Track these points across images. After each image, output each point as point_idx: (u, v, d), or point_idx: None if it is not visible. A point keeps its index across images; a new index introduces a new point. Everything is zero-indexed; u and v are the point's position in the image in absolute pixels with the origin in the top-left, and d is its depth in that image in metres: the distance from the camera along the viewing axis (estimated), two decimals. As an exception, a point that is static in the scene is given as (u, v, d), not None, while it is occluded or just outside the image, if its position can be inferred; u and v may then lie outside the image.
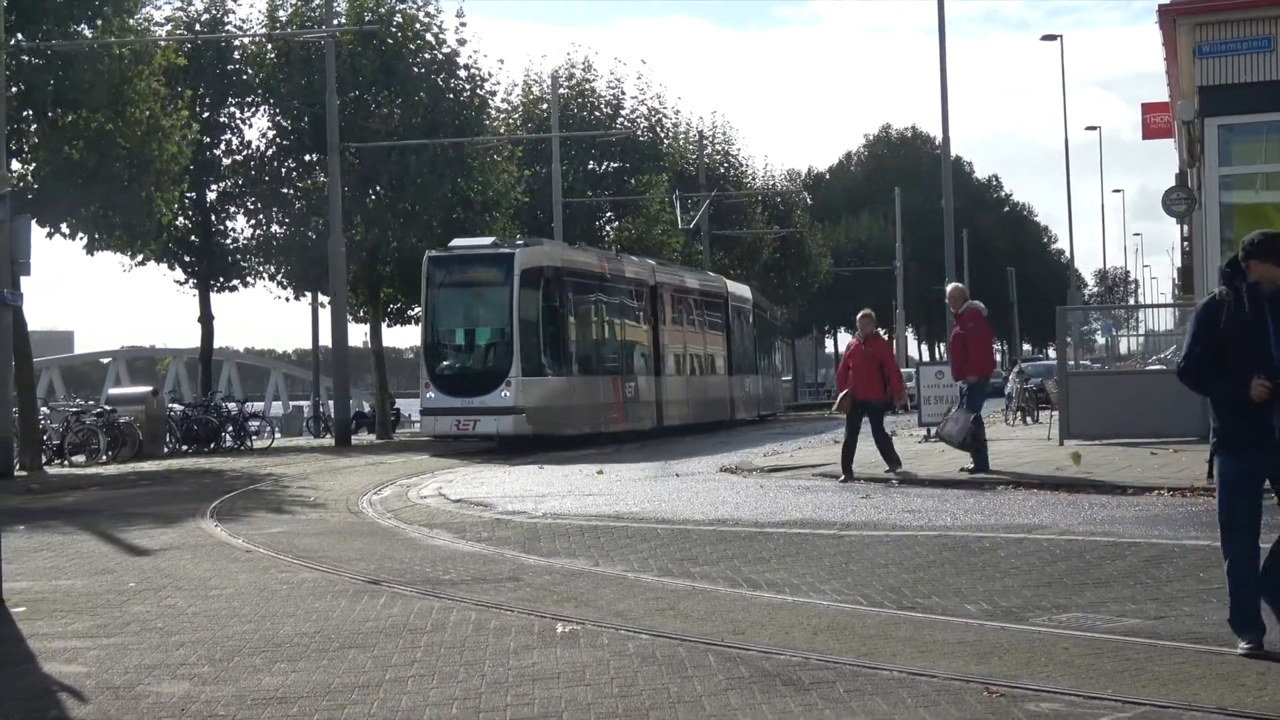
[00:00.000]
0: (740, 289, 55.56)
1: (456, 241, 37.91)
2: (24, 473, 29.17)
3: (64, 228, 32.22)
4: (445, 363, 35.98)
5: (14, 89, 30.28)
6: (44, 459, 32.45)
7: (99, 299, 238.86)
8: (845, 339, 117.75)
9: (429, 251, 36.67)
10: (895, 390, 22.50)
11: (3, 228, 23.58)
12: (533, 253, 35.89)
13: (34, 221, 30.34)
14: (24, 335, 31.25)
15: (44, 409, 39.21)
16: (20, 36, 30.70)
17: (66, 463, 34.45)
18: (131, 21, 33.45)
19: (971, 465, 21.13)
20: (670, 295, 45.48)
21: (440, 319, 36.13)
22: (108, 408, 39.40)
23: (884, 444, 22.15)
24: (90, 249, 33.20)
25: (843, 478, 21.80)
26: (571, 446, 35.05)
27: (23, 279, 28.25)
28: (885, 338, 22.48)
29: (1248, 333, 8.53)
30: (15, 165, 30.81)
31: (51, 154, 31.34)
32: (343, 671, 9.14)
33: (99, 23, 32.12)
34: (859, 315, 23.05)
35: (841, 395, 22.29)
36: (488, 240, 38.09)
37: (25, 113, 31.40)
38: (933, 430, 22.69)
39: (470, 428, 34.61)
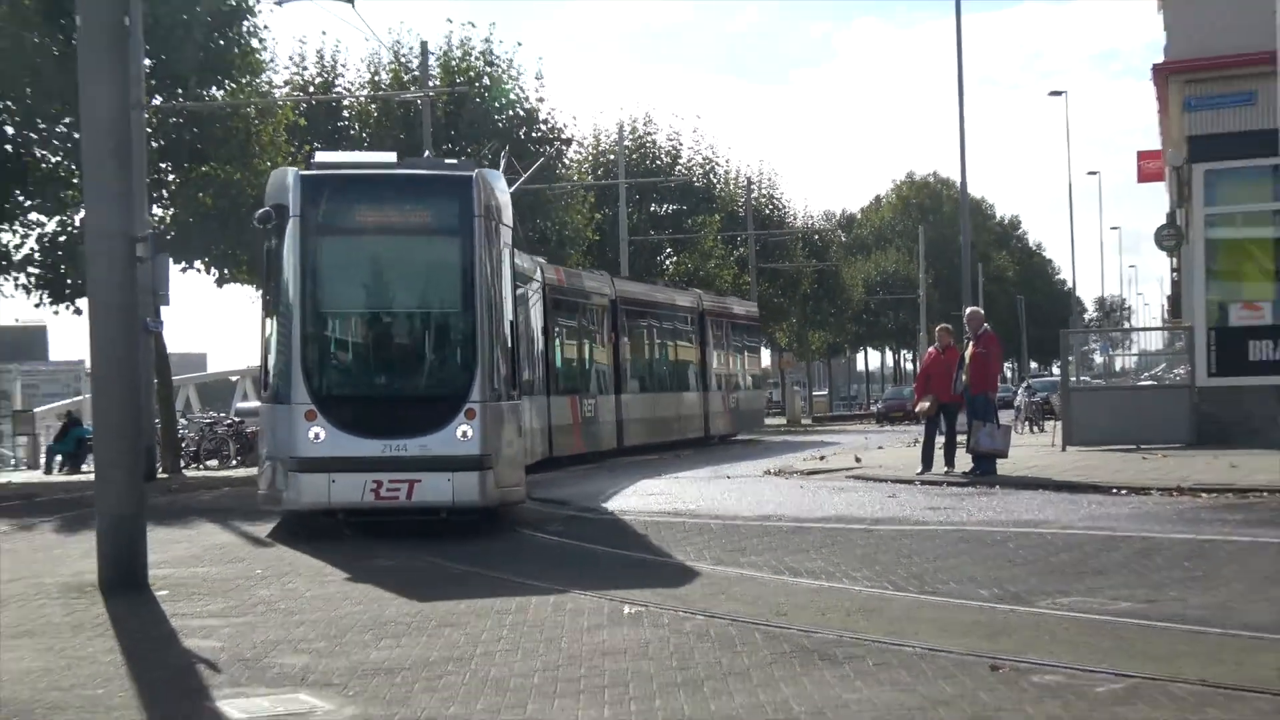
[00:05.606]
0: (606, 284, 34.82)
1: (329, 155, 20.89)
2: (165, 475, 29.40)
3: (197, 264, 32.58)
4: (345, 374, 16.68)
5: (155, 144, 30.65)
6: (182, 463, 32.73)
7: (229, 325, 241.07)
8: (875, 357, 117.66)
9: (298, 170, 17.02)
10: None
11: (145, 264, 23.81)
12: (488, 180, 17.03)
13: (171, 259, 30.75)
14: (164, 357, 31.54)
15: (182, 420, 39.52)
16: (160, 98, 31.06)
17: (202, 466, 34.73)
18: (257, 82, 33.84)
19: (972, 468, 20.99)
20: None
21: (330, 293, 16.53)
22: (236, 419, 39.70)
23: (949, 445, 21.71)
24: (220, 282, 33.55)
25: (920, 470, 21.59)
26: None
27: (163, 308, 28.62)
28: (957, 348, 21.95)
29: None
30: (156, 210, 31.14)
31: (187, 200, 31.65)
32: (440, 647, 9.22)
33: (230, 85, 32.49)
34: (938, 328, 22.63)
35: (929, 401, 21.83)
36: (388, 156, 20.64)
37: (164, 164, 31.75)
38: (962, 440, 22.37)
39: (401, 495, 15.41)
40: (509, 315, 17.07)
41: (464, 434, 15.61)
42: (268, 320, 16.77)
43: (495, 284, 16.48)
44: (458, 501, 15.65)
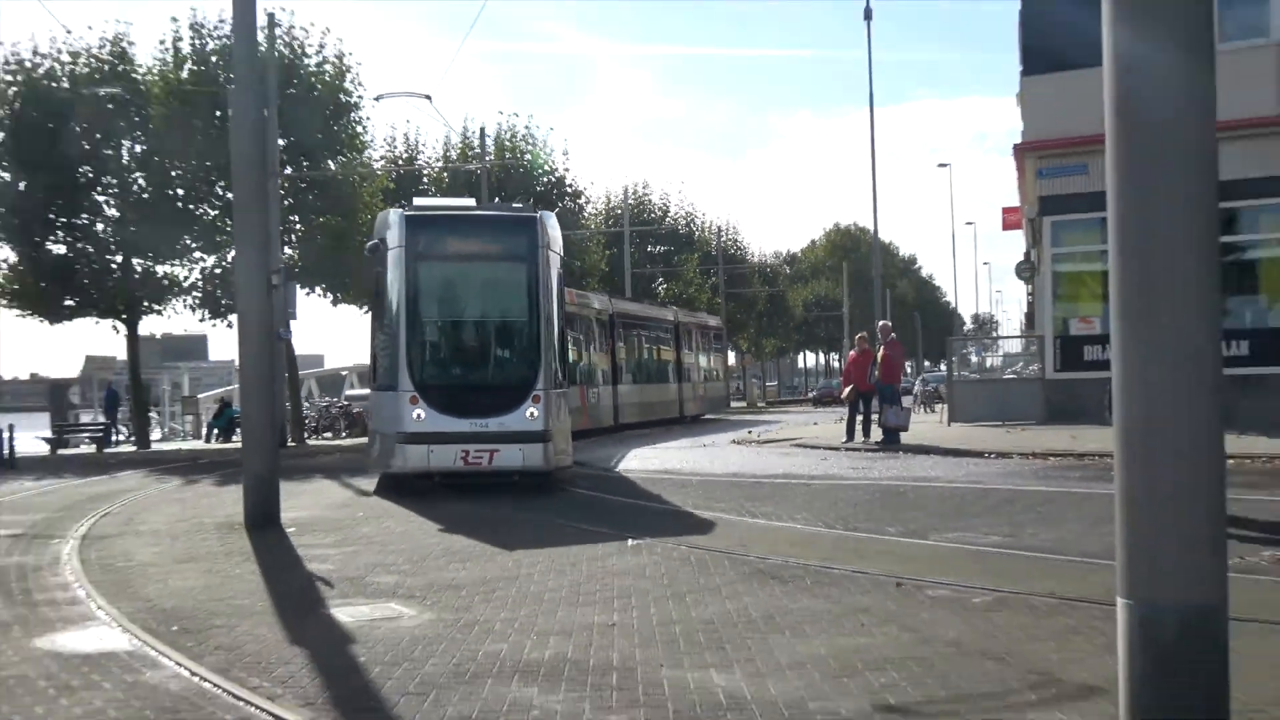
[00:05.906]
0: (605, 302, 33.67)
1: (423, 200, 19.20)
2: (293, 444, 29.42)
3: (317, 289, 32.66)
4: (441, 368, 16.00)
5: (286, 202, 30.69)
6: (306, 435, 32.72)
7: (340, 333, 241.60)
8: (811, 357, 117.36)
9: (401, 211, 16.31)
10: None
11: (278, 290, 23.87)
12: (546, 220, 16.35)
13: (297, 285, 30.76)
14: (292, 358, 31.55)
15: (305, 404, 39.53)
16: (290, 168, 31.09)
17: (320, 438, 34.71)
18: (360, 158, 33.88)
19: (882, 438, 20.91)
20: None
21: (430, 304, 16.13)
22: (346, 403, 39.70)
23: (866, 422, 21.65)
24: (334, 303, 33.59)
25: (845, 440, 21.38)
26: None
27: (291, 322, 28.62)
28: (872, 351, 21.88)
29: None
30: (287, 250, 31.15)
31: (308, 243, 31.73)
32: (495, 569, 9.21)
33: (341, 159, 32.55)
34: (857, 336, 22.41)
35: (849, 389, 21.83)
36: (469, 200, 21.10)
37: (292, 218, 31.76)
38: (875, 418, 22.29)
39: (484, 462, 15.12)
40: (560, 323, 16.48)
41: (532, 414, 15.18)
42: (376, 328, 16.42)
43: (551, 300, 15.92)
44: (526, 466, 15.24)
